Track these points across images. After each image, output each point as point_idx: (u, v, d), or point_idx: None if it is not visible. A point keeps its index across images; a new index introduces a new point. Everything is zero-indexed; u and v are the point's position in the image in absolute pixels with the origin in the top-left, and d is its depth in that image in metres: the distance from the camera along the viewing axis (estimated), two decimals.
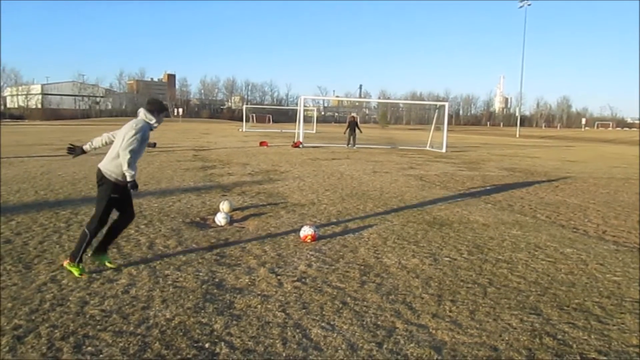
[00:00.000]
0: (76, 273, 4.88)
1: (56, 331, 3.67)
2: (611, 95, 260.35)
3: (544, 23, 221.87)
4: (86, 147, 5.33)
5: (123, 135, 4.91)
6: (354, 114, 29.45)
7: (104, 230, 5.19)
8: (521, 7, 69.83)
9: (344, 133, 27.66)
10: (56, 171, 13.07)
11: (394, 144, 31.32)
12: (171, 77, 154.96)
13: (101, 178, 4.94)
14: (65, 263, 4.99)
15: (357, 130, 27.11)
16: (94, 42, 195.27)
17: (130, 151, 4.79)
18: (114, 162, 4.89)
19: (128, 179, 4.85)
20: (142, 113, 5.09)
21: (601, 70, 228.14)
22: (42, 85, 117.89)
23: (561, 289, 4.96)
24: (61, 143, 25.02)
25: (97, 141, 5.31)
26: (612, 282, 5.24)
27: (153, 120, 5.11)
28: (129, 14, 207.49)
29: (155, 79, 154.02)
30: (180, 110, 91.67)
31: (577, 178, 15.10)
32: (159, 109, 5.19)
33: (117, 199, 5.00)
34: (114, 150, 4.95)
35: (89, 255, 5.19)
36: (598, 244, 6.87)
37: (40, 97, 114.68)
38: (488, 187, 12.33)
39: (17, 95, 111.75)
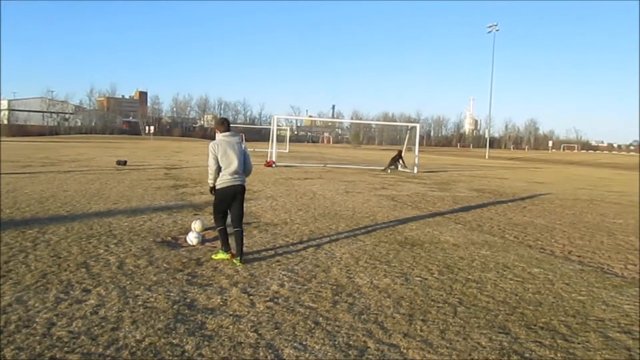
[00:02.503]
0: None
1: (22, 353, 3.58)
2: (576, 118, 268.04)
3: (512, 47, 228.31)
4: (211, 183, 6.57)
5: (244, 154, 6.44)
6: (401, 150, 27.88)
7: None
8: (489, 32, 71.85)
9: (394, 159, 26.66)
10: (22, 189, 12.77)
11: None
12: (143, 95, 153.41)
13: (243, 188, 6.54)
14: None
15: (401, 161, 26.51)
16: (64, 57, 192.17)
17: None
18: (242, 176, 6.50)
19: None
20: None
21: (567, 94, 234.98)
22: (9, 101, 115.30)
23: (529, 308, 5.07)
24: (28, 160, 24.48)
25: (213, 176, 6.44)
26: (578, 301, 5.39)
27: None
28: (100, 30, 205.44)
29: (127, 97, 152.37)
30: (152, 128, 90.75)
31: (544, 199, 15.47)
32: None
33: None
34: (238, 167, 6.34)
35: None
36: (564, 264, 7.04)
37: (6, 112, 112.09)
38: (458, 208, 12.53)
39: None
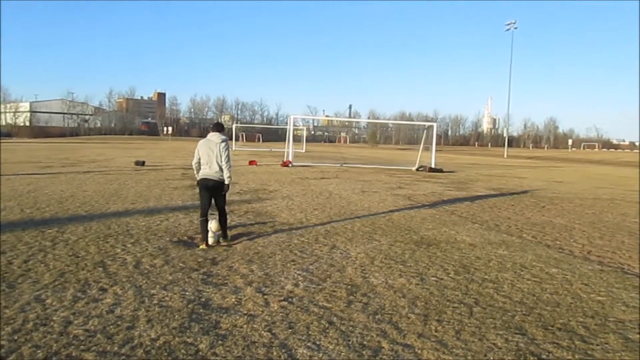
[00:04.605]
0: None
1: (39, 351, 3.63)
2: (597, 116, 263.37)
3: (530, 45, 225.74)
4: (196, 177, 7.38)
5: (221, 153, 7.09)
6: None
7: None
8: (507, 29, 71.11)
9: None
10: (43, 189, 12.97)
11: None
12: (161, 96, 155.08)
13: (221, 184, 7.18)
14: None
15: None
16: (84, 60, 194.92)
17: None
18: (221, 172, 7.16)
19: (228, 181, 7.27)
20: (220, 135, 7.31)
21: (587, 92, 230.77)
22: (31, 103, 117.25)
23: (546, 308, 5.00)
24: (49, 161, 24.87)
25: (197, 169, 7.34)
26: (597, 302, 5.29)
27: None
28: (120, 32, 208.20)
29: (145, 98, 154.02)
30: (170, 128, 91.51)
31: (564, 198, 15.25)
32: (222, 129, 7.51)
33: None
34: (216, 164, 7.11)
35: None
36: (583, 264, 6.93)
37: (28, 114, 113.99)
38: (475, 207, 12.41)
39: (5, 112, 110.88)
